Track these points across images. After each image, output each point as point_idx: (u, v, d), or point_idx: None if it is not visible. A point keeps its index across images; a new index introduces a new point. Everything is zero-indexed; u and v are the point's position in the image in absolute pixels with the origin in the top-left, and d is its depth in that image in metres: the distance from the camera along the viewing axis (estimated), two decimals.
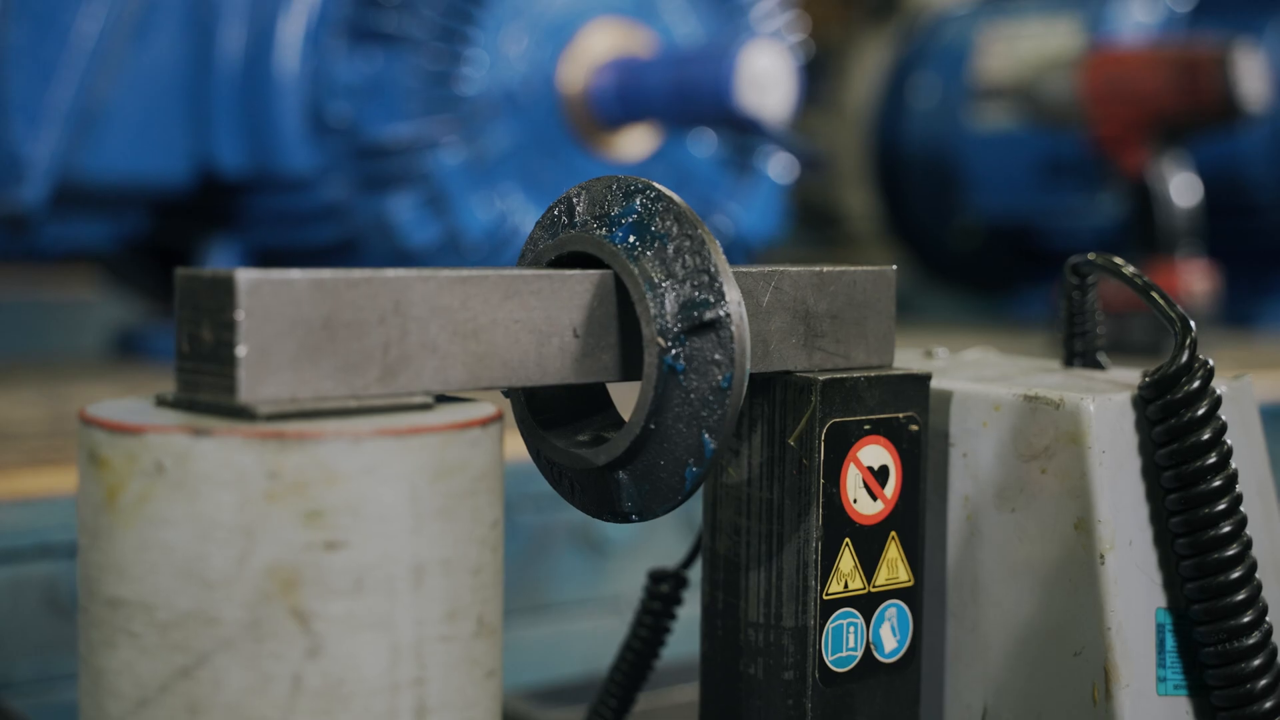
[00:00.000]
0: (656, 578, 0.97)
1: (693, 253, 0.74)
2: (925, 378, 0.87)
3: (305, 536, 0.63)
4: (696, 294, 0.74)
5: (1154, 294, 0.88)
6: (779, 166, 2.45)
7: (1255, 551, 0.90)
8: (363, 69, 2.08)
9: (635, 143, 2.24)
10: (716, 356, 0.74)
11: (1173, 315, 0.86)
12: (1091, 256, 0.94)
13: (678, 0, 2.31)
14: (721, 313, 0.73)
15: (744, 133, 2.27)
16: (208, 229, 2.28)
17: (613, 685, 0.97)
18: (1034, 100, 2.97)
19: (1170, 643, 0.86)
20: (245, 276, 0.65)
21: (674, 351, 0.74)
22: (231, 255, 2.27)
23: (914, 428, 0.87)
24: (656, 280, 0.75)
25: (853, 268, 0.86)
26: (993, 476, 0.88)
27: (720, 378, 0.74)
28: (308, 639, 0.63)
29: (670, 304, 0.75)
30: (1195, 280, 2.56)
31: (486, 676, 0.69)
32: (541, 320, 0.75)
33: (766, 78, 2.04)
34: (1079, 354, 0.98)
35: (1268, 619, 0.85)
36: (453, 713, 0.67)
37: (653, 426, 0.75)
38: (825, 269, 0.85)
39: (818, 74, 4.05)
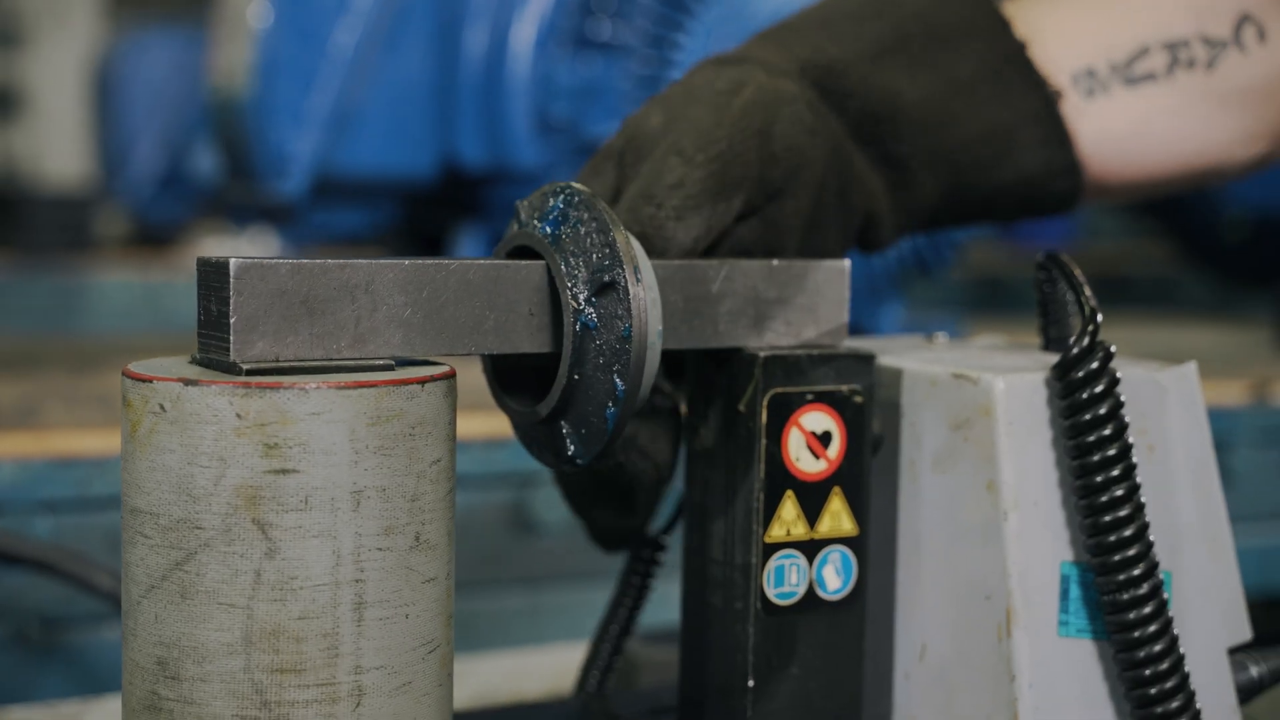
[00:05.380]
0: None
1: (599, 231, 0.90)
2: (869, 356, 1.01)
3: (265, 464, 0.82)
4: (600, 262, 0.90)
5: (1073, 286, 1.00)
6: None
7: (1188, 526, 1.01)
8: (582, 73, 2.27)
9: None
10: (620, 312, 0.89)
11: (1081, 304, 0.98)
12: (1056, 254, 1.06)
13: None
14: (619, 274, 0.88)
15: None
16: (457, 218, 2.51)
17: (614, 617, 1.13)
18: None
19: (1074, 592, 0.98)
20: (236, 262, 0.84)
21: (587, 311, 0.90)
22: (479, 242, 2.50)
23: (858, 399, 1.00)
24: (572, 256, 0.91)
25: (805, 261, 1.01)
26: (930, 443, 1.01)
27: (623, 329, 0.89)
28: (266, 543, 0.82)
29: (582, 272, 0.90)
30: None
31: (425, 582, 0.86)
32: (495, 299, 0.91)
33: None
34: (1053, 340, 1.10)
35: (1158, 573, 0.95)
36: (388, 608, 0.84)
37: (576, 377, 0.91)
38: (776, 263, 0.99)
39: None
